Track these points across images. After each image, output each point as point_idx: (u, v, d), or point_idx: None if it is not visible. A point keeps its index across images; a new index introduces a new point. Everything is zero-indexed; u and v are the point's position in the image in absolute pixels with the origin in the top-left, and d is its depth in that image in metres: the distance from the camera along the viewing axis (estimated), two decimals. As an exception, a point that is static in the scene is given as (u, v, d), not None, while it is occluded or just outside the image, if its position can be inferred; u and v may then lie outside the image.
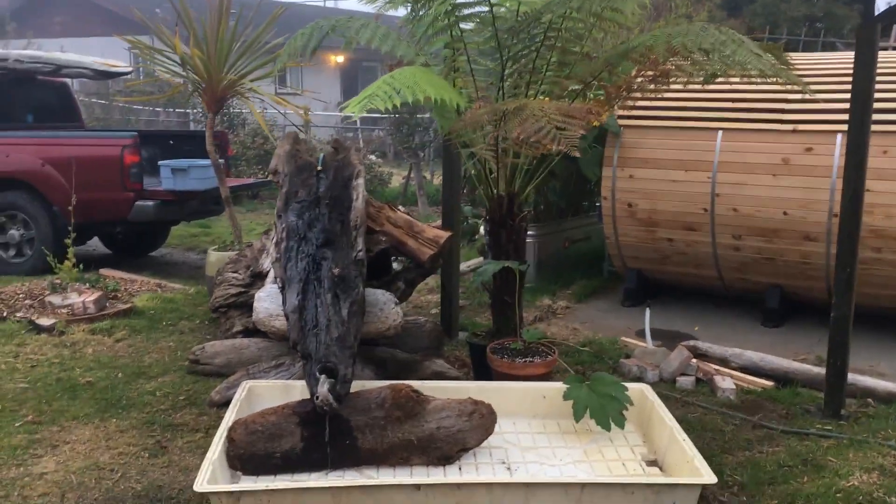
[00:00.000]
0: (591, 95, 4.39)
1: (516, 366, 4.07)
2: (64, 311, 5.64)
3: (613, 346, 5.45)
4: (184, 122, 19.59)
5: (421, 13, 3.68)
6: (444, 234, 4.49)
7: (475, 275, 4.30)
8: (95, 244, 9.03)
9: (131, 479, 3.34)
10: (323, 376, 3.36)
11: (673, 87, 6.03)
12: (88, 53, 9.13)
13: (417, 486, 3.08)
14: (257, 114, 5.25)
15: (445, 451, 3.46)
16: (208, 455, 3.25)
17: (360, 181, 4.32)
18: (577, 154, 2.81)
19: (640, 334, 5.70)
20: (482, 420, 3.52)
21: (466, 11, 3.61)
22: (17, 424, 3.81)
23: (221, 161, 7.40)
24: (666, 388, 4.63)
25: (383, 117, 14.82)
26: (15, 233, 7.23)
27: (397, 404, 3.43)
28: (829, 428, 3.93)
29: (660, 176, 6.27)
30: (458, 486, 3.11)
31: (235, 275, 4.93)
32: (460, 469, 3.46)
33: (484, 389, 4.00)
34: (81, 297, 5.71)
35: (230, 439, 3.36)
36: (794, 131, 5.73)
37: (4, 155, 7.16)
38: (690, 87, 6.13)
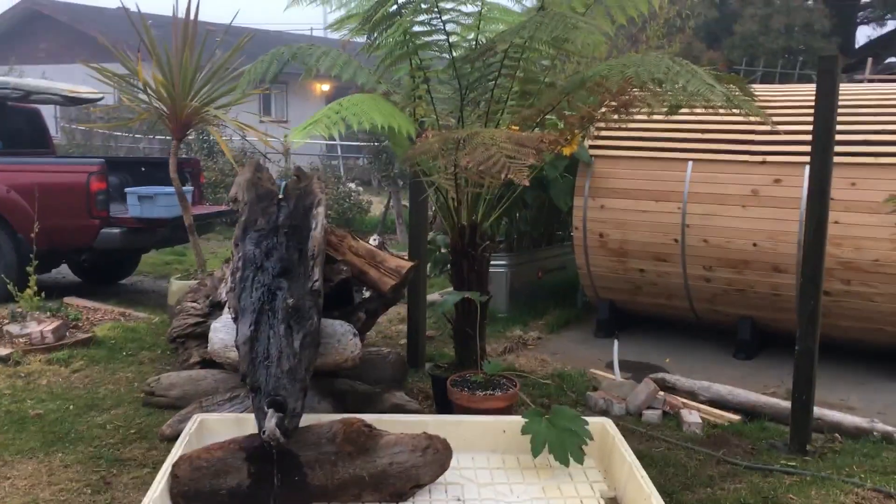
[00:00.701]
0: (557, 125, 4.36)
1: (476, 399, 3.99)
2: (22, 340, 5.51)
3: (582, 378, 5.38)
4: (165, 149, 19.50)
5: (378, 41, 3.64)
6: (407, 265, 4.42)
7: (437, 306, 4.21)
8: (65, 272, 8.90)
9: (71, 517, 3.22)
10: (271, 410, 3.26)
11: (643, 117, 6.07)
12: (71, 80, 9.04)
13: (363, 525, 2.98)
14: (221, 141, 5.20)
15: (399, 487, 3.36)
16: (149, 493, 3.13)
17: (321, 209, 4.25)
18: (526, 183, 2.76)
19: (611, 366, 5.63)
20: (436, 455, 3.43)
21: (425, 39, 3.57)
22: (-45, 459, 3.69)
23: (191, 189, 7.34)
24: (632, 421, 4.56)
25: (366, 145, 14.81)
26: (-22, 260, 7.10)
27: (348, 439, 3.33)
28: (794, 464, 3.86)
29: (630, 206, 6.24)
30: (407, 525, 3.01)
31: (194, 304, 4.84)
32: (413, 506, 3.36)
33: (443, 423, 3.90)
34: (40, 327, 5.58)
35: (174, 475, 3.24)
36: (763, 162, 5.72)
37: (-30, 181, 7.05)
38: (661, 117, 6.19)
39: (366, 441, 3.35)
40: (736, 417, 4.60)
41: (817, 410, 4.45)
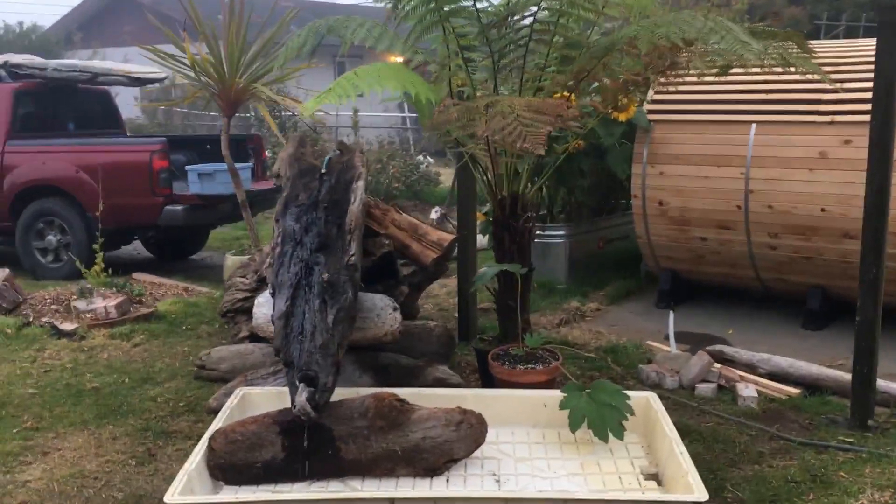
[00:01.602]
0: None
1: (516, 373, 3.92)
2: (88, 315, 5.71)
3: (638, 350, 5.24)
4: (246, 126, 19.83)
5: (405, 7, 3.55)
6: (448, 237, 4.36)
7: (476, 279, 4.15)
8: (140, 248, 9.20)
9: (114, 487, 3.32)
10: (302, 385, 3.27)
11: (705, 78, 5.81)
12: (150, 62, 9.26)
13: (391, 500, 2.97)
14: (268, 117, 5.23)
15: (432, 462, 3.33)
16: (186, 465, 3.20)
17: (360, 184, 4.22)
18: (541, 152, 2.65)
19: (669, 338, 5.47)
20: (471, 430, 3.39)
21: (453, 6, 3.46)
22: (14, 430, 3.84)
23: (250, 165, 7.44)
24: (684, 395, 4.42)
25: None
26: (52, 238, 7.39)
27: (380, 414, 3.32)
28: (851, 440, 3.67)
29: (691, 172, 6.01)
30: (434, 500, 2.98)
31: (243, 279, 4.90)
32: (448, 481, 3.33)
33: (482, 397, 3.87)
34: (105, 302, 5.77)
35: (210, 448, 3.30)
36: (831, 123, 5.41)
37: (41, 162, 7.33)
38: (722, 78, 5.90)
39: (398, 416, 3.33)
40: (796, 391, 4.40)
41: (883, 383, 4.22)
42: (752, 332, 5.73)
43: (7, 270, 6.10)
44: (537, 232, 6.90)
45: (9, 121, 7.56)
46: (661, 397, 4.35)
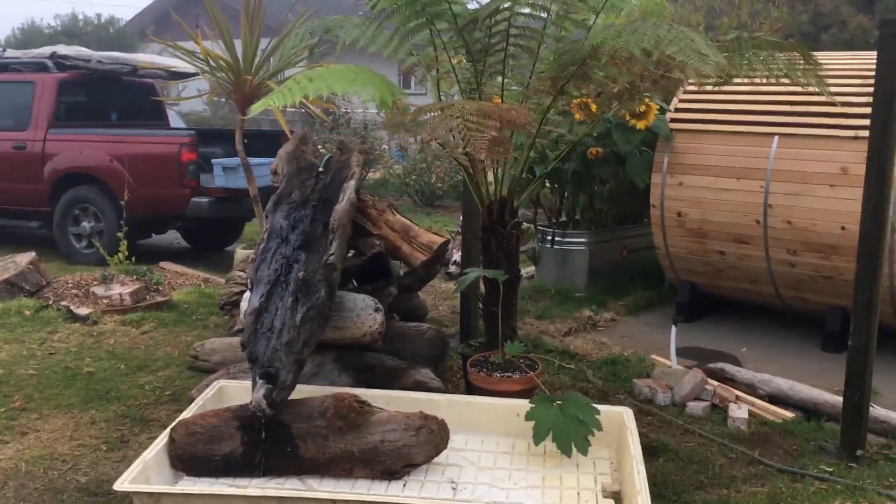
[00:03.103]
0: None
1: (492, 380, 3.88)
2: (104, 301, 5.87)
3: (641, 363, 5.13)
4: (307, 120, 20.05)
5: (385, 8, 3.53)
6: (438, 240, 4.34)
7: (457, 284, 4.12)
8: (177, 238, 9.44)
9: (80, 471, 3.40)
10: (261, 381, 3.30)
11: (730, 88, 5.65)
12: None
13: (333, 501, 2.97)
14: (278, 114, 5.30)
15: (389, 465, 3.32)
16: (144, 454, 3.26)
17: (351, 183, 4.23)
18: (482, 156, 2.61)
19: (677, 353, 5.34)
20: (430, 436, 3.36)
21: (435, 8, 3.43)
22: (1, 410, 3.97)
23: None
24: (674, 412, 4.30)
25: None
26: (86, 225, 7.63)
27: (339, 414, 3.32)
28: (831, 470, 3.51)
29: (710, 183, 5.86)
30: (375, 504, 2.97)
31: (241, 273, 4.97)
32: (405, 485, 3.32)
33: (454, 403, 3.84)
34: (121, 289, 5.92)
35: (171, 439, 3.35)
36: (854, 138, 5.20)
37: (78, 151, 7.57)
38: (747, 88, 5.74)
39: (356, 417, 3.33)
40: (791, 415, 4.25)
41: (882, 412, 4.06)
42: (767, 351, 5.55)
43: (33, 254, 6.32)
44: (556, 238, 6.84)
45: (52, 110, 7.83)
46: (648, 414, 4.29)
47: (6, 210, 8.01)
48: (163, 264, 7.25)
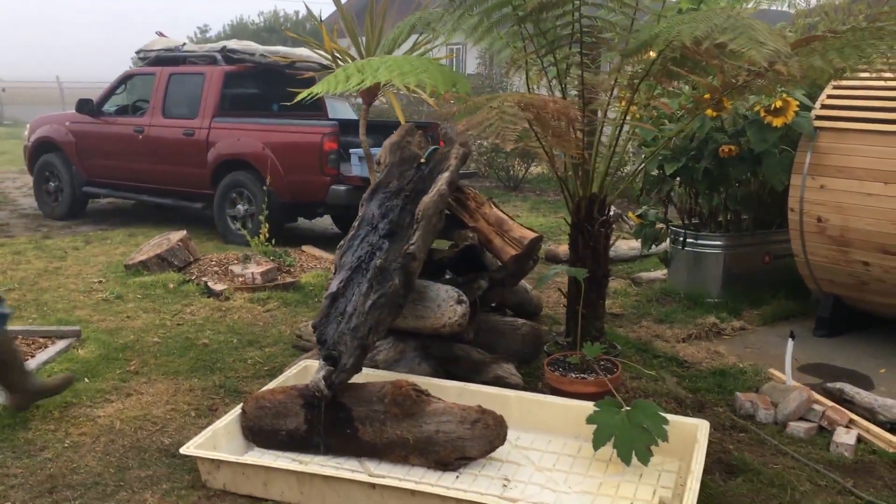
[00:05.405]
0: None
1: (565, 381, 3.80)
2: (239, 279, 6.28)
3: (756, 377, 4.81)
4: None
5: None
6: (531, 235, 4.29)
7: (538, 282, 4.05)
8: (332, 224, 9.89)
9: (167, 433, 3.67)
10: (321, 363, 3.42)
11: (881, 83, 5.16)
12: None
13: (373, 486, 3.04)
14: (397, 107, 5.40)
15: (443, 456, 3.35)
16: (216, 423, 3.48)
17: (444, 175, 4.27)
18: (508, 148, 2.54)
19: (805, 369, 4.97)
20: (486, 430, 3.36)
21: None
22: (118, 371, 4.37)
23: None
24: (772, 431, 4.00)
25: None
26: (241, 208, 8.17)
27: (396, 401, 3.39)
28: (928, 510, 3.15)
29: (853, 187, 5.36)
30: (412, 492, 3.01)
31: (348, 259, 5.14)
32: (457, 477, 3.33)
33: (524, 401, 3.80)
34: (255, 268, 6.31)
35: (243, 411, 3.57)
36: None
37: (236, 139, 8.12)
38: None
39: (412, 405, 3.38)
40: (909, 446, 3.83)
41: None
42: (909, 375, 5.02)
43: (184, 232, 6.86)
44: (688, 240, 6.52)
45: (217, 100, 8.45)
46: (742, 430, 4.03)
47: (175, 191, 8.74)
48: (304, 248, 7.63)
